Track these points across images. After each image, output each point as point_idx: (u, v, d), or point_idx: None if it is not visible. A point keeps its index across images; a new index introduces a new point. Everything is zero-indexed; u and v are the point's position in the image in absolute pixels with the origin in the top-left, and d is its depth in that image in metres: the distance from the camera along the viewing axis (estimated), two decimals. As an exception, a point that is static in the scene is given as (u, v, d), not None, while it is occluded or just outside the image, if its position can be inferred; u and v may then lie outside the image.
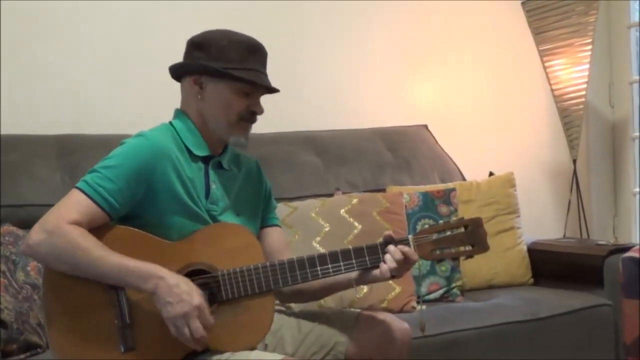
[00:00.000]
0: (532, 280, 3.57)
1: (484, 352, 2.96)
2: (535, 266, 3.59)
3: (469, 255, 2.26)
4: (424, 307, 3.14)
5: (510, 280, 3.54)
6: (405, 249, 2.18)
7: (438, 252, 2.22)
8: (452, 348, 2.91)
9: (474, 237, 2.23)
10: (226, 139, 2.29)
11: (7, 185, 3.00)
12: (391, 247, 2.17)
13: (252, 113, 2.28)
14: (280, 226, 2.49)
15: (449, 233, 2.22)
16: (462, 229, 2.23)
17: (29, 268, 2.70)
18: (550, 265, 3.58)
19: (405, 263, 2.18)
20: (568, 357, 3.13)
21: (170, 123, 2.31)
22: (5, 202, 2.96)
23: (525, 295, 3.29)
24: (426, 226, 2.25)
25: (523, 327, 3.05)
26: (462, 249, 2.23)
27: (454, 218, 2.25)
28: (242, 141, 2.28)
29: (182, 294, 1.99)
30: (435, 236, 2.22)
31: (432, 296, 3.29)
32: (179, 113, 2.32)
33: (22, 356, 2.55)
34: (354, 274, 2.25)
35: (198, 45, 2.28)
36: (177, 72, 2.34)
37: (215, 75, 2.24)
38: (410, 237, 2.21)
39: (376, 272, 2.19)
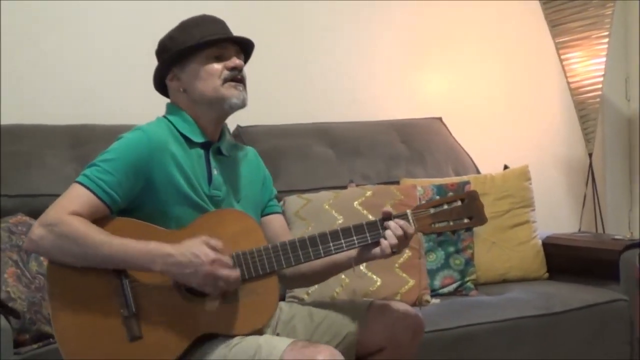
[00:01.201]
0: (546, 275, 3.55)
1: (498, 347, 2.95)
2: (550, 260, 3.57)
3: (468, 228, 2.29)
4: (437, 300, 3.14)
5: (525, 275, 3.52)
6: (401, 222, 2.18)
7: (437, 225, 2.23)
8: (466, 342, 2.90)
9: (471, 209, 2.25)
10: (221, 110, 2.28)
11: (18, 175, 3.01)
12: (391, 223, 2.18)
13: (232, 70, 2.26)
14: (280, 213, 2.50)
15: (446, 207, 2.24)
16: (459, 202, 2.25)
17: (42, 258, 2.70)
18: (565, 260, 3.55)
19: (404, 238, 2.18)
20: (582, 352, 3.11)
21: (165, 117, 2.31)
22: (16, 192, 2.97)
23: (540, 290, 3.27)
24: (424, 202, 2.26)
25: (537, 321, 3.03)
26: (460, 221, 2.24)
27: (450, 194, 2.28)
28: (235, 101, 2.26)
29: (193, 259, 2.01)
30: (432, 210, 2.23)
31: (445, 290, 3.28)
32: (170, 106, 2.33)
33: (35, 346, 2.56)
34: (353, 253, 2.25)
35: (158, 51, 2.34)
36: (157, 82, 2.37)
37: (179, 61, 2.27)
38: (408, 211, 2.22)
39: (376, 249, 2.19)
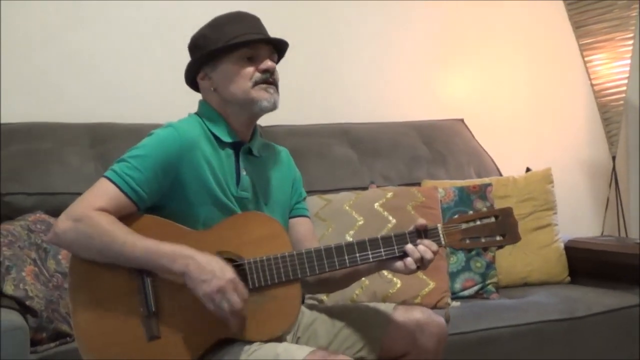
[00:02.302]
0: (568, 279, 3.52)
1: (519, 351, 2.92)
2: (572, 264, 3.53)
3: (500, 246, 2.22)
4: (457, 303, 3.11)
5: (547, 278, 3.48)
6: (426, 241, 2.14)
7: (468, 241, 2.18)
8: (487, 345, 2.87)
9: (504, 227, 2.20)
10: (252, 112, 2.25)
11: (39, 173, 3.01)
12: (421, 247, 2.13)
13: (264, 72, 2.23)
14: (308, 217, 2.46)
15: (478, 222, 2.19)
16: (493, 219, 2.20)
17: (60, 256, 2.70)
18: (587, 264, 3.52)
19: (430, 259, 2.14)
20: (605, 357, 3.08)
21: (196, 114, 2.29)
22: (36, 190, 2.97)
23: (562, 294, 3.24)
24: (456, 216, 2.21)
25: (559, 325, 3.00)
26: (492, 238, 2.19)
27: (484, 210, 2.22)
28: (266, 104, 2.22)
29: (214, 271, 1.98)
30: (464, 225, 2.19)
31: (466, 292, 3.25)
32: (203, 104, 2.31)
33: (52, 345, 2.55)
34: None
35: (191, 47, 2.30)
36: (188, 79, 2.34)
37: (211, 61, 2.24)
38: (439, 225, 2.18)
39: (400, 263, 2.15)
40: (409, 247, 2.14)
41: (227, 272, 1.99)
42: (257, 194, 2.27)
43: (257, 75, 2.22)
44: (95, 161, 3.11)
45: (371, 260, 2.16)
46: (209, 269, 1.98)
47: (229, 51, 2.21)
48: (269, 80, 2.24)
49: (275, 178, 2.36)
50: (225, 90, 2.23)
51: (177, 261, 2.00)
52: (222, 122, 2.25)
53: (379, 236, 2.17)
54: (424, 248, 2.13)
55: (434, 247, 2.14)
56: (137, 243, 2.02)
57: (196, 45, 2.27)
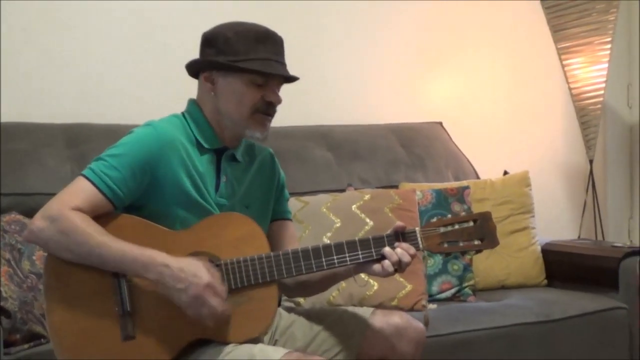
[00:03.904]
0: (545, 282, 3.53)
1: (496, 353, 2.93)
2: (549, 267, 3.54)
3: (478, 250, 2.22)
4: (433, 306, 3.11)
5: (524, 281, 3.49)
6: (404, 244, 2.13)
7: (446, 245, 2.17)
8: (463, 348, 2.88)
9: (483, 231, 2.19)
10: (242, 134, 2.23)
11: (13, 173, 2.99)
12: (399, 250, 2.12)
13: (268, 104, 2.20)
14: (291, 220, 2.45)
15: (457, 226, 2.19)
16: (471, 223, 2.20)
17: (34, 257, 2.68)
18: (564, 267, 3.53)
19: (408, 262, 2.13)
20: (581, 360, 3.09)
21: (183, 114, 2.27)
22: (11, 191, 2.95)
23: (539, 297, 3.25)
24: (434, 219, 2.21)
25: (536, 328, 3.01)
26: (470, 243, 2.19)
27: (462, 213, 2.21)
28: (258, 135, 2.21)
29: (189, 277, 1.97)
30: (442, 229, 2.18)
31: (443, 295, 3.25)
32: (192, 105, 2.27)
33: (25, 346, 2.53)
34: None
35: (207, 41, 2.24)
36: (191, 69, 2.29)
37: (224, 70, 2.19)
38: (417, 229, 2.17)
39: (378, 266, 2.14)
40: (387, 250, 2.13)
41: (204, 277, 1.98)
42: (236, 199, 2.25)
43: (262, 103, 2.19)
44: (71, 162, 3.09)
45: (349, 263, 2.15)
46: (183, 277, 1.97)
47: (244, 69, 2.16)
48: (270, 112, 2.22)
49: (257, 182, 2.34)
50: (224, 103, 2.20)
51: (150, 269, 1.99)
52: (208, 128, 2.22)
53: (356, 239, 2.15)
54: (402, 251, 2.12)
55: (412, 250, 2.13)
56: (111, 245, 2.00)
57: (214, 44, 2.20)
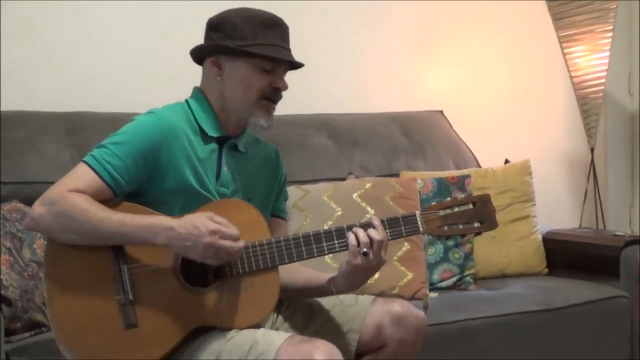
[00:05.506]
0: (546, 270, 3.53)
1: (496, 341, 2.93)
2: (550, 256, 3.54)
3: (478, 232, 2.23)
4: (434, 294, 3.11)
5: (524, 270, 3.49)
6: (371, 231, 2.11)
7: (446, 228, 2.19)
8: (464, 337, 2.88)
9: (482, 213, 2.20)
10: (246, 120, 2.23)
11: (14, 162, 2.98)
12: (368, 231, 2.11)
13: (274, 90, 2.22)
14: (285, 220, 2.46)
15: (456, 209, 2.20)
16: (470, 206, 2.21)
17: (35, 246, 2.68)
18: (565, 255, 3.53)
19: (376, 246, 2.10)
20: (582, 348, 3.10)
21: (187, 101, 2.27)
22: (11, 179, 2.94)
23: (540, 285, 3.25)
24: (434, 202, 2.21)
25: (536, 316, 3.01)
26: (470, 225, 2.20)
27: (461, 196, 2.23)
28: (262, 123, 2.22)
29: (193, 230, 1.98)
30: (442, 212, 2.19)
31: (444, 284, 3.25)
32: (197, 92, 2.28)
33: (26, 334, 2.53)
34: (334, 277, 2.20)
35: (214, 26, 2.24)
36: (197, 55, 2.29)
37: (231, 54, 2.19)
38: (417, 212, 2.18)
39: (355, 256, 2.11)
40: (355, 229, 2.12)
41: (203, 227, 1.98)
42: (237, 189, 2.25)
43: (269, 89, 2.20)
44: (72, 150, 3.08)
45: (337, 249, 2.15)
46: (187, 233, 1.98)
47: (252, 54, 2.16)
48: (276, 98, 2.23)
49: (260, 175, 2.34)
50: (230, 89, 2.21)
51: (158, 235, 1.99)
52: (213, 115, 2.23)
53: (344, 225, 2.16)
54: (367, 232, 2.10)
55: (379, 235, 2.10)
56: (113, 219, 2.00)
57: (222, 29, 2.21)
